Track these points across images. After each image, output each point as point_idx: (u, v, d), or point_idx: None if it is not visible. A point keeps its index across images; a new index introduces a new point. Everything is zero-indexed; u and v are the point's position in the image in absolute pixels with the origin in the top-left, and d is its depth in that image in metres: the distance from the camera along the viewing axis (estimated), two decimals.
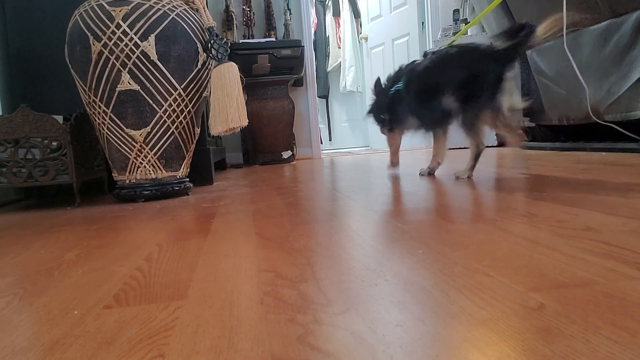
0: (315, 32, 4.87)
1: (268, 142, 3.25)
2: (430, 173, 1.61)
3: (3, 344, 0.42)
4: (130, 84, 1.43)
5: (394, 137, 1.72)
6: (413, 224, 0.80)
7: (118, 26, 1.40)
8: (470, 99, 1.28)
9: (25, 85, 1.85)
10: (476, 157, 1.42)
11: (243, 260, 0.65)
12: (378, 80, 1.72)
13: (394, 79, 1.59)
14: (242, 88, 1.60)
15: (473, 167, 1.43)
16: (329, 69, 5.14)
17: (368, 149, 4.78)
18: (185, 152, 1.61)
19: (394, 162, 1.79)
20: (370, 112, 1.75)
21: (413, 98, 1.48)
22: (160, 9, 1.45)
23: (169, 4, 1.48)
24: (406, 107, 1.52)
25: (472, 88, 1.27)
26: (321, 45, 5.06)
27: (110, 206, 1.45)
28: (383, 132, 1.75)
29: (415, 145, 3.84)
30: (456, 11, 3.24)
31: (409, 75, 1.50)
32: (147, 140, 1.49)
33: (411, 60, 1.56)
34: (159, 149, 1.51)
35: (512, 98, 1.26)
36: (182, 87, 1.51)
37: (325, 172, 2.18)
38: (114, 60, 1.41)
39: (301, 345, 0.37)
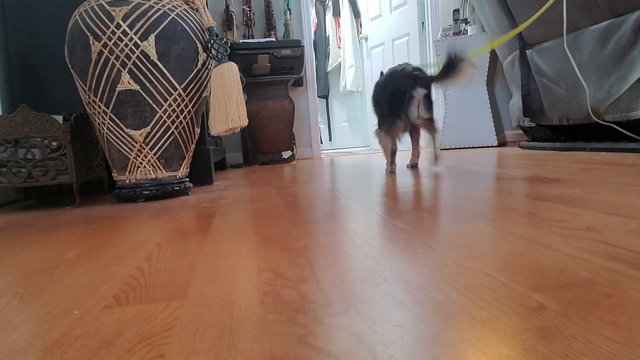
0: (315, 32, 4.87)
1: (268, 142, 3.25)
2: (413, 166, 1.99)
3: (3, 343, 0.42)
4: (130, 84, 1.43)
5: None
6: (413, 223, 0.80)
7: (118, 26, 1.40)
8: (395, 108, 1.69)
9: (25, 85, 1.85)
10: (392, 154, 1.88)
11: (243, 260, 0.65)
12: (382, 72, 1.99)
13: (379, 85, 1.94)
14: (242, 88, 1.60)
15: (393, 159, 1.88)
16: (329, 69, 5.14)
17: (368, 149, 4.78)
18: (185, 152, 1.61)
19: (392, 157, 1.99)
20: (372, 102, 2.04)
21: (376, 105, 1.90)
22: (160, 9, 1.45)
23: (169, 3, 1.48)
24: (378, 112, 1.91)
25: (397, 100, 1.69)
26: (321, 45, 5.06)
27: (110, 206, 1.45)
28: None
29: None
30: (456, 11, 3.24)
31: (375, 88, 1.91)
32: (147, 140, 1.49)
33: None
34: (159, 149, 1.51)
35: (419, 109, 1.68)
36: (182, 87, 1.51)
37: (325, 172, 2.18)
38: (114, 60, 1.41)
39: (301, 345, 0.37)
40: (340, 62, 5.07)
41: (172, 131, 1.52)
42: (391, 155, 1.89)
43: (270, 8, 3.45)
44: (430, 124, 1.78)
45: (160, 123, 1.49)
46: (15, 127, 1.44)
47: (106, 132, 1.50)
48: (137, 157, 1.50)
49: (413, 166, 1.98)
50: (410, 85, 1.66)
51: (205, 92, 1.65)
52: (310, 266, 0.59)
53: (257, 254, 0.67)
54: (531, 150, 2.44)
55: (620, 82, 1.80)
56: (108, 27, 1.40)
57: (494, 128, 3.08)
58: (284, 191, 1.46)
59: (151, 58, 1.43)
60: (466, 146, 3.17)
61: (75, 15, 1.47)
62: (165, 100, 1.48)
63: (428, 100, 1.70)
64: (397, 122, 1.71)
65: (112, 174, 1.59)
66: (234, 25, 3.36)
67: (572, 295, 0.42)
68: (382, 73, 1.97)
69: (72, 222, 1.18)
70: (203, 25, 1.60)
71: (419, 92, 1.66)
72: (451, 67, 1.61)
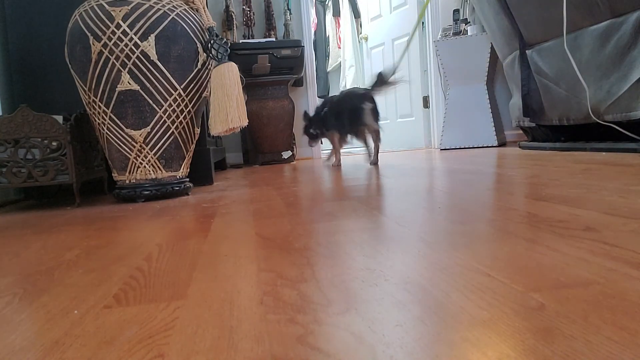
0: (315, 32, 4.86)
1: (268, 142, 3.25)
2: (337, 165, 2.50)
3: (3, 343, 0.42)
4: (130, 84, 1.43)
5: (317, 143, 2.61)
6: (413, 223, 0.80)
7: (118, 26, 1.40)
8: (354, 119, 2.24)
9: (25, 85, 1.85)
10: (378, 150, 2.37)
11: (243, 260, 0.65)
12: (306, 112, 2.57)
13: (322, 106, 2.48)
14: (242, 88, 1.60)
15: (376, 154, 2.38)
16: (329, 69, 5.14)
17: None
18: (185, 152, 1.61)
19: (338, 160, 2.54)
20: (305, 131, 2.57)
21: (332, 117, 2.37)
22: (160, 9, 1.45)
23: (169, 4, 1.48)
24: (329, 122, 2.40)
25: (353, 113, 2.24)
26: (321, 45, 5.06)
27: (110, 206, 1.45)
28: (311, 145, 2.63)
29: (416, 145, 3.85)
30: (456, 11, 3.24)
31: (329, 104, 2.43)
32: (147, 140, 1.49)
33: (330, 96, 2.65)
34: (159, 149, 1.51)
35: (369, 119, 2.22)
36: (182, 87, 1.51)
37: (325, 172, 2.18)
38: (114, 60, 1.41)
39: (301, 345, 0.37)
40: (340, 62, 5.07)
41: (172, 131, 1.52)
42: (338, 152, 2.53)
43: (270, 8, 3.45)
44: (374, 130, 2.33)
45: (160, 123, 1.49)
46: (15, 127, 1.44)
47: (106, 132, 1.50)
48: (137, 157, 1.50)
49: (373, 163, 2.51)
50: (362, 101, 2.23)
51: (205, 92, 1.65)
52: (310, 266, 0.59)
53: (257, 254, 0.67)
54: (531, 151, 2.44)
55: (620, 82, 1.80)
56: (108, 27, 1.40)
57: (494, 128, 3.08)
58: (284, 191, 1.46)
59: (151, 58, 1.43)
60: (466, 146, 3.17)
61: (75, 16, 1.47)
62: (165, 100, 1.48)
63: (374, 112, 2.25)
64: (360, 126, 2.28)
65: (112, 174, 1.59)
66: (234, 25, 3.36)
67: (572, 295, 0.42)
68: (305, 113, 2.55)
69: (72, 222, 1.18)
70: (203, 25, 1.60)
71: (368, 105, 2.22)
72: (380, 82, 2.27)
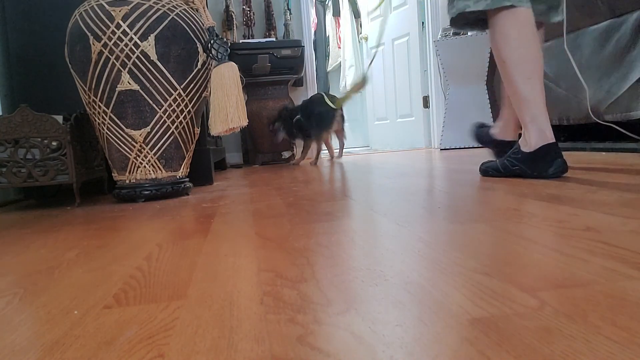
0: (315, 32, 4.86)
1: (268, 142, 3.25)
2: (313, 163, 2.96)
3: (3, 343, 0.42)
4: (130, 84, 1.43)
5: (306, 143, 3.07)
6: (413, 223, 0.80)
7: (118, 26, 1.40)
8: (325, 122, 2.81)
9: (25, 85, 1.85)
10: (318, 152, 2.97)
11: (243, 260, 0.65)
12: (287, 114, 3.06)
13: (295, 111, 2.95)
14: (242, 88, 1.60)
15: (314, 158, 2.96)
16: (329, 69, 5.13)
17: (368, 149, 4.78)
18: (185, 152, 1.61)
19: (300, 160, 3.10)
20: (285, 131, 3.04)
21: (302, 123, 2.85)
22: (160, 9, 1.45)
23: (169, 3, 1.48)
24: (301, 127, 2.88)
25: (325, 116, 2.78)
26: (321, 45, 5.05)
27: (110, 206, 1.45)
28: (291, 140, 3.14)
29: (416, 145, 3.85)
30: None
31: (301, 111, 2.89)
32: (147, 140, 1.49)
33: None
34: (159, 149, 1.51)
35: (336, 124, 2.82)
36: (182, 87, 1.51)
37: (325, 172, 2.18)
38: (114, 60, 1.41)
39: (301, 345, 0.37)
40: (340, 62, 5.06)
41: (172, 131, 1.52)
42: (318, 153, 2.98)
43: (270, 8, 3.45)
44: (341, 132, 3.04)
45: (160, 123, 1.49)
46: (15, 127, 1.44)
47: (106, 132, 1.50)
48: (137, 157, 1.50)
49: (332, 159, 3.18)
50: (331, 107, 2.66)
51: (205, 92, 1.65)
52: (310, 266, 0.59)
53: (257, 254, 0.67)
54: None
55: (620, 82, 1.80)
56: (108, 27, 1.40)
57: None
58: (284, 191, 1.46)
59: (151, 58, 1.43)
60: (466, 146, 3.17)
61: (75, 15, 1.47)
62: (165, 100, 1.48)
63: (342, 117, 2.86)
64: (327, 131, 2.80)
65: (112, 174, 1.59)
66: (234, 25, 3.36)
67: (572, 295, 0.42)
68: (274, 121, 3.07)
69: (72, 222, 1.18)
70: (203, 25, 1.60)
71: (338, 111, 2.74)
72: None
